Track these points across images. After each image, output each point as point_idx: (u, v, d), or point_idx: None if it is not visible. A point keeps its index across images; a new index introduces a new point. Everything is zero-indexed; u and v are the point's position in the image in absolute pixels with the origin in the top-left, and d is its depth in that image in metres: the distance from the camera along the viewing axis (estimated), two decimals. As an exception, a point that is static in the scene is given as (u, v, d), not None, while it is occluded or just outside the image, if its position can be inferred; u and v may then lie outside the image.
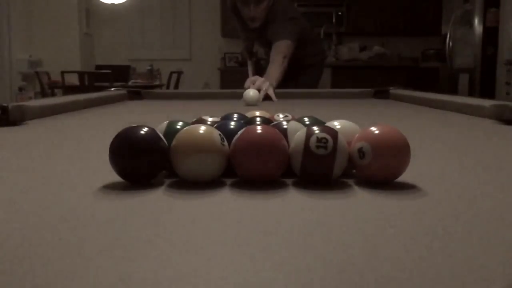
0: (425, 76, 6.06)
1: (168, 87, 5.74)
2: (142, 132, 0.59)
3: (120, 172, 0.59)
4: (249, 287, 0.31)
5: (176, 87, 5.85)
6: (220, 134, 0.59)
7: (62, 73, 4.84)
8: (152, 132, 0.60)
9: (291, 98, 2.27)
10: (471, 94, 4.42)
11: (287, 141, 0.61)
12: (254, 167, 0.57)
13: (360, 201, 0.53)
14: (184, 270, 0.34)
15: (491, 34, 4.35)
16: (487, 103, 1.37)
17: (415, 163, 0.64)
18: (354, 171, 0.63)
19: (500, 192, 0.57)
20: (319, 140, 0.57)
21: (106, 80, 4.65)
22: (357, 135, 0.61)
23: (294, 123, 0.68)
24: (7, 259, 0.36)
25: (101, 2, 6.28)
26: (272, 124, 0.70)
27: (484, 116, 1.33)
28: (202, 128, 0.59)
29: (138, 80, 5.43)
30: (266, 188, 0.57)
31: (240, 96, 2.00)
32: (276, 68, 2.39)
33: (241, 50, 3.14)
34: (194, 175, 0.58)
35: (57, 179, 0.64)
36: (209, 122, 0.73)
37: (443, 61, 5.27)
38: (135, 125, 0.61)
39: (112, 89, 2.47)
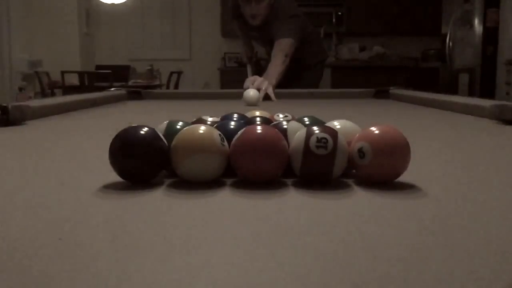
0: (425, 76, 6.06)
1: (168, 87, 5.74)
2: (142, 132, 0.59)
3: (120, 172, 0.59)
4: (249, 287, 0.31)
5: (176, 87, 5.85)
6: (220, 134, 0.59)
7: (62, 73, 4.84)
8: (152, 132, 0.60)
9: (291, 98, 2.27)
10: (471, 94, 4.42)
11: (287, 141, 0.61)
12: (254, 167, 0.57)
13: (360, 201, 0.53)
14: (184, 270, 0.34)
15: (491, 34, 4.35)
16: (487, 103, 1.37)
17: (415, 163, 0.64)
18: (354, 171, 0.63)
19: (500, 192, 0.57)
20: (319, 140, 0.57)
21: (106, 80, 4.65)
22: (357, 135, 0.61)
23: (294, 123, 0.68)
24: (7, 259, 0.36)
25: (101, 2, 6.27)
26: (272, 124, 0.70)
27: (484, 116, 1.33)
28: (202, 128, 0.59)
29: (138, 80, 5.42)
30: (266, 188, 0.57)
31: (240, 96, 2.00)
32: (277, 66, 2.39)
33: (240, 53, 3.17)
34: (194, 175, 0.58)
35: (57, 179, 0.64)
36: (209, 122, 0.73)
37: (443, 61, 5.27)
38: (135, 125, 0.61)
39: (112, 89, 2.47)
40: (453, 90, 4.74)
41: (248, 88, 2.06)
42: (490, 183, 0.62)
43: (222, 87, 6.24)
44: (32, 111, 1.32)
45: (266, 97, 2.15)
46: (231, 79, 6.13)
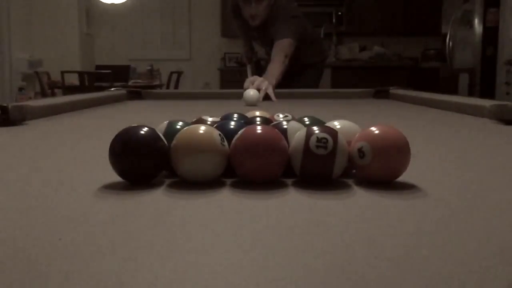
0: (425, 76, 6.06)
1: (168, 87, 5.74)
2: (142, 132, 0.59)
3: (120, 172, 0.59)
4: (249, 287, 0.31)
5: (176, 87, 5.85)
6: (220, 134, 0.59)
7: (62, 73, 4.84)
8: (152, 132, 0.60)
9: (291, 98, 2.27)
10: (471, 94, 4.42)
11: (287, 141, 0.61)
12: (254, 167, 0.57)
13: (360, 201, 0.53)
14: (184, 270, 0.34)
15: (491, 34, 4.35)
16: (487, 103, 1.37)
17: (415, 163, 0.64)
18: (354, 171, 0.63)
19: (500, 192, 0.57)
20: (319, 140, 0.57)
21: (106, 80, 4.65)
22: (357, 135, 0.61)
23: (294, 123, 0.68)
24: (7, 259, 0.36)
25: (101, 2, 6.27)
26: (272, 124, 0.70)
27: (484, 116, 1.33)
28: (202, 128, 0.59)
29: (138, 80, 5.42)
30: (266, 188, 0.57)
31: (240, 96, 2.00)
32: (276, 67, 2.39)
33: (241, 53, 3.18)
34: (194, 175, 0.58)
35: (57, 179, 0.64)
36: (209, 122, 0.73)
37: (443, 61, 5.27)
38: (135, 125, 0.61)
39: (112, 89, 2.47)
40: (453, 90, 4.74)
41: (248, 88, 2.06)
42: (490, 183, 0.62)
43: (222, 87, 6.25)
44: (32, 111, 1.32)
45: (266, 97, 2.15)
46: (231, 79, 6.13)
